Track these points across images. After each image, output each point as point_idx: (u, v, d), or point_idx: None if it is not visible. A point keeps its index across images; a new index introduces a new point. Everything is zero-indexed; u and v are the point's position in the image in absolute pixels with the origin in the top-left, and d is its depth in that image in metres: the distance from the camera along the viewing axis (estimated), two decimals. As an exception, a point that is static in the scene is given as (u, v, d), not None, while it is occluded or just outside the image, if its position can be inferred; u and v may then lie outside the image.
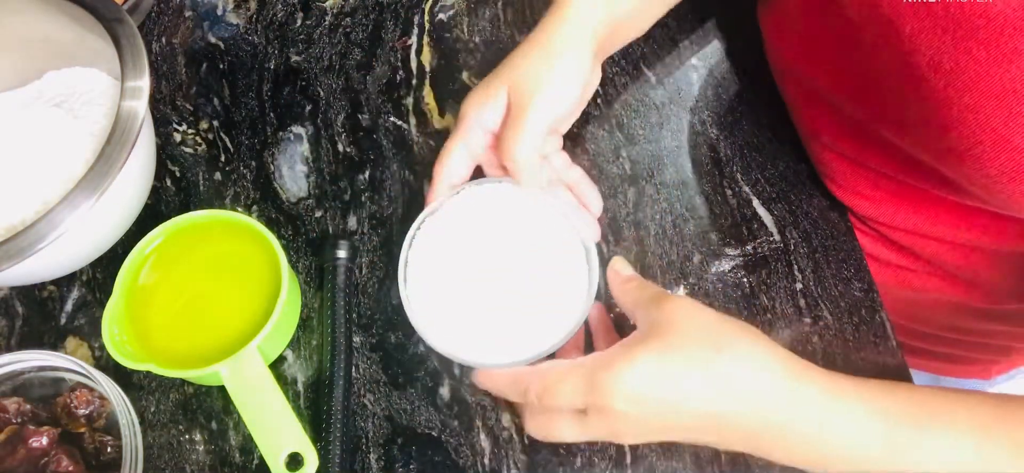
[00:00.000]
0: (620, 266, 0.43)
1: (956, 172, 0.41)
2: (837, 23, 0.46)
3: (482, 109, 0.45)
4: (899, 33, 0.39)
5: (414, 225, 0.45)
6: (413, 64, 0.59)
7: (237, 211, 0.46)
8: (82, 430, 0.43)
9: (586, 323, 0.45)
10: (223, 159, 0.54)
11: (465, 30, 0.60)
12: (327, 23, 0.60)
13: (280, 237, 0.50)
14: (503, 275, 0.44)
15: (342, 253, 0.48)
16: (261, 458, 0.41)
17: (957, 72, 0.36)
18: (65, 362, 0.43)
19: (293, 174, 0.54)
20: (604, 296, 0.47)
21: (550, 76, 0.44)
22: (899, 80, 0.41)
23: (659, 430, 0.37)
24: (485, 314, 0.43)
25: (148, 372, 0.45)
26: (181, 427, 0.45)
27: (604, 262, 0.46)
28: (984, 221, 0.48)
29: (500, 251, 0.45)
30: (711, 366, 0.36)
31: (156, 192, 0.52)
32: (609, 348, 0.38)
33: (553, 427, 0.39)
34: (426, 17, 0.61)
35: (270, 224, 0.51)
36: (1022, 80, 0.35)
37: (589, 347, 0.45)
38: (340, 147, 0.55)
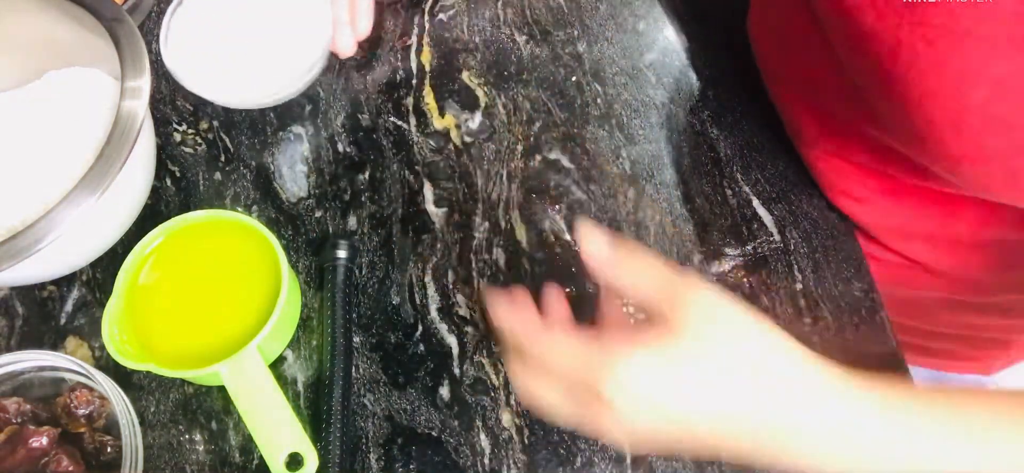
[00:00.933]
0: (594, 246, 0.36)
1: (923, 157, 0.41)
2: (809, 21, 0.47)
3: None
4: (860, 25, 0.40)
5: None
6: (413, 64, 0.59)
7: (237, 211, 0.46)
8: (82, 430, 0.43)
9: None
10: (223, 159, 0.54)
11: (465, 30, 0.60)
12: (327, 23, 0.60)
13: (280, 237, 0.50)
14: (248, 22, 0.53)
15: (342, 253, 0.48)
16: (261, 458, 0.41)
17: (914, 58, 0.37)
18: (65, 362, 0.43)
19: (293, 174, 0.54)
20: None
21: None
22: (865, 71, 0.41)
23: (654, 433, 0.33)
24: (233, 57, 0.52)
25: (148, 372, 0.45)
26: (181, 427, 0.45)
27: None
28: (965, 209, 0.48)
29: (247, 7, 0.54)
30: (725, 362, 0.33)
31: (156, 192, 0.52)
32: (613, 333, 0.34)
33: (540, 389, 0.36)
34: (426, 17, 0.61)
35: (270, 224, 0.51)
36: (975, 64, 0.35)
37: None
38: (340, 147, 0.55)
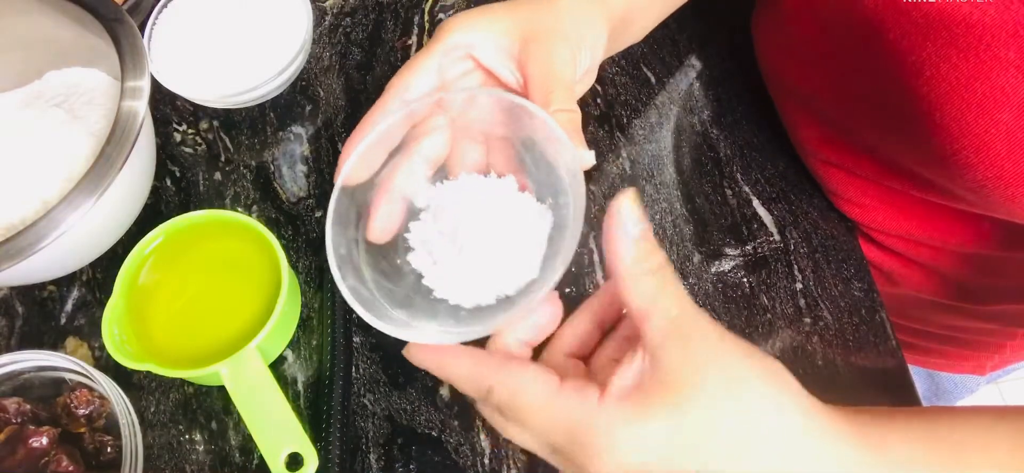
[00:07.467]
0: (629, 221, 0.30)
1: (941, 177, 0.41)
2: (821, 29, 0.46)
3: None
4: (881, 39, 0.39)
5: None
6: (413, 64, 0.58)
7: (237, 211, 0.46)
8: (82, 430, 0.43)
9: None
10: (223, 159, 0.54)
11: (465, 30, 0.60)
12: (327, 23, 0.60)
13: (280, 237, 0.50)
14: (227, 23, 0.54)
15: (342, 253, 0.48)
16: (261, 458, 0.41)
17: (938, 79, 0.36)
18: (65, 362, 0.43)
19: (293, 174, 0.54)
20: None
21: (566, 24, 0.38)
22: (882, 87, 0.41)
23: None
24: (214, 56, 0.53)
25: (148, 372, 0.45)
26: (181, 427, 0.45)
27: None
28: (972, 226, 0.48)
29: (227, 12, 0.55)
30: (733, 427, 0.28)
31: (156, 192, 0.52)
32: (610, 390, 0.29)
33: (516, 437, 0.31)
34: (426, 17, 0.61)
35: (270, 224, 0.51)
36: (1002, 87, 0.35)
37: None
38: (340, 147, 0.55)
